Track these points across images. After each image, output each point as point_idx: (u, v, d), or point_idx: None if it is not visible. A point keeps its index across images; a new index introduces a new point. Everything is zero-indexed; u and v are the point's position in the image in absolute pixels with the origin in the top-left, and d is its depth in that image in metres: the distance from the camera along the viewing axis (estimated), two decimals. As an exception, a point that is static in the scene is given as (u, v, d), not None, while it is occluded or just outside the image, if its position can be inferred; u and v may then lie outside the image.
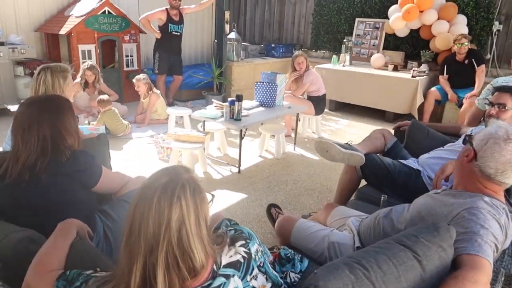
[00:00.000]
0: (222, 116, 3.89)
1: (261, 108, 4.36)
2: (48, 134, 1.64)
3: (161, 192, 0.98)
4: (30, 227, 1.54)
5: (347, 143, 2.63)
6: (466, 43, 5.39)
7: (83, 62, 5.86)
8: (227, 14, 6.17)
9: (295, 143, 4.69)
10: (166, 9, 5.83)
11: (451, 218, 1.36)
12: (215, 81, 6.18)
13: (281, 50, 7.57)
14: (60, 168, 1.63)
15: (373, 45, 7.13)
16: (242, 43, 6.84)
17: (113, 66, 6.58)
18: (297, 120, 4.69)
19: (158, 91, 5.36)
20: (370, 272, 1.05)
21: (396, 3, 6.54)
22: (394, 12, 6.43)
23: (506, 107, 2.27)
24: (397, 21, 6.26)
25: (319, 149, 2.61)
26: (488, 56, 6.11)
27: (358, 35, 7.26)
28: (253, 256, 1.12)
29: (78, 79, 5.20)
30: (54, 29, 5.99)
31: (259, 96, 4.49)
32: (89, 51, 5.96)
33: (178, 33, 5.98)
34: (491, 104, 2.35)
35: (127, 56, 6.50)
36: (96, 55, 6.04)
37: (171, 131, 4.84)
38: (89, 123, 4.85)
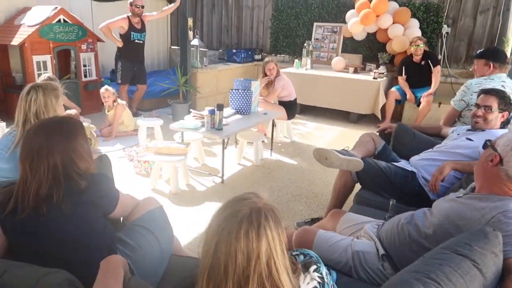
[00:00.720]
0: (203, 126, 3.82)
1: (238, 116, 4.33)
2: (59, 162, 1.51)
3: (248, 224, 0.94)
4: (53, 265, 1.41)
5: (343, 149, 2.69)
6: (422, 45, 5.71)
7: (39, 74, 5.51)
8: (190, 21, 6.07)
9: (271, 149, 4.71)
10: (128, 16, 5.62)
11: (486, 221, 1.43)
12: (181, 89, 6.06)
13: (242, 55, 7.57)
14: (82, 196, 1.52)
15: (332, 49, 7.35)
16: (202, 49, 6.76)
17: (69, 77, 6.24)
18: (273, 125, 4.72)
19: (124, 102, 5.15)
20: (443, 286, 1.08)
21: (353, 8, 6.80)
22: (352, 17, 6.68)
23: (492, 109, 2.45)
24: (355, 25, 6.50)
25: (318, 156, 2.65)
26: (440, 56, 6.51)
27: (317, 39, 7.45)
28: (325, 279, 1.12)
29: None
30: (3, 39, 5.56)
31: (234, 103, 4.47)
32: (45, 62, 5.60)
33: (141, 41, 5.79)
34: (478, 106, 2.52)
35: (84, 66, 6.18)
36: (52, 66, 5.69)
37: (142, 143, 4.70)
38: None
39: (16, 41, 5.30)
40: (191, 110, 4.22)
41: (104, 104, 5.09)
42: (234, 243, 0.93)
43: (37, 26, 5.40)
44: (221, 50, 8.50)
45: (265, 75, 5.05)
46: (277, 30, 7.94)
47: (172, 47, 9.31)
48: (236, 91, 4.45)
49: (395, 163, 2.74)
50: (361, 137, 3.00)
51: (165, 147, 3.65)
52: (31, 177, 1.50)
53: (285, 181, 3.94)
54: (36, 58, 5.48)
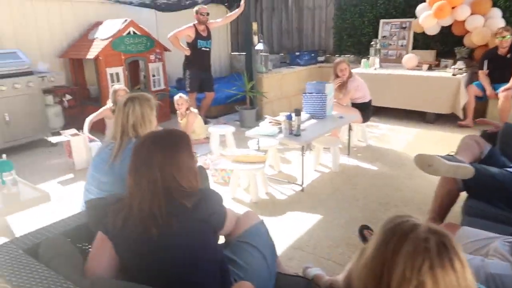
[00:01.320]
0: (280, 132, 3.69)
1: (313, 120, 4.16)
2: (159, 177, 1.42)
3: (436, 256, 0.79)
4: (166, 287, 1.34)
5: (448, 155, 2.43)
6: (508, 36, 5.22)
7: (112, 86, 5.70)
8: (254, 25, 6.01)
9: (348, 154, 4.48)
10: (194, 25, 5.66)
11: None
12: (248, 95, 5.99)
13: (305, 58, 7.40)
14: (191, 214, 1.42)
15: (401, 46, 6.96)
16: (265, 54, 6.65)
17: (139, 87, 6.41)
18: (349, 129, 4.49)
19: (196, 110, 5.17)
20: None
21: (424, 1, 6.39)
22: (423, 11, 6.27)
23: None
24: (428, 19, 6.09)
25: (420, 163, 2.40)
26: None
27: (384, 36, 7.09)
28: None
29: (108, 105, 5.01)
30: (79, 53, 5.83)
31: (309, 107, 4.31)
32: (117, 74, 5.78)
33: (208, 49, 5.81)
34: None
35: (153, 76, 6.33)
36: (124, 78, 5.87)
37: (215, 151, 4.66)
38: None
39: (91, 54, 5.52)
40: (266, 116, 4.11)
41: (178, 111, 5.14)
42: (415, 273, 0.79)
43: (110, 39, 5.59)
44: (282, 54, 8.39)
45: (337, 76, 4.83)
46: (341, 30, 7.68)
47: (233, 53, 9.35)
48: (310, 94, 4.29)
49: (508, 169, 2.43)
50: (463, 140, 2.71)
51: (243, 155, 3.57)
52: (136, 192, 1.44)
53: (368, 188, 3.70)
54: (109, 70, 5.67)
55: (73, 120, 5.89)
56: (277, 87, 6.73)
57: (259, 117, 6.39)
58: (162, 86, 6.48)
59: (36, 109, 5.16)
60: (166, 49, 6.41)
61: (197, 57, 5.74)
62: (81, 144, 4.40)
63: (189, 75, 5.78)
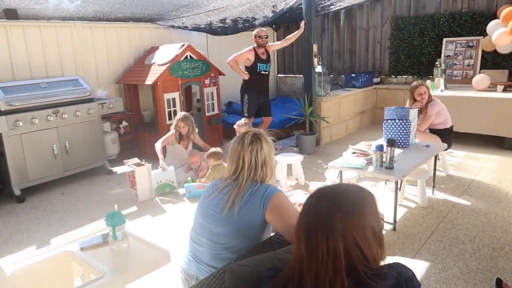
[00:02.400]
0: (369, 164, 3.33)
1: (397, 150, 3.77)
2: (341, 248, 1.09)
3: None
4: None
5: None
6: None
7: (169, 112, 5.53)
8: (315, 47, 5.74)
9: (433, 186, 4.06)
10: (253, 48, 5.44)
11: None
12: (308, 119, 5.68)
13: (362, 79, 7.05)
14: None
15: (468, 65, 6.52)
16: (324, 76, 6.35)
17: (191, 112, 6.21)
18: (436, 159, 4.07)
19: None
20: None
21: (494, 18, 5.98)
22: (495, 28, 5.85)
23: None
24: (502, 37, 5.66)
25: None
26: None
27: (448, 56, 6.68)
28: None
29: (171, 131, 4.81)
30: (136, 79, 5.70)
31: (390, 135, 3.93)
32: (174, 99, 5.61)
33: (267, 72, 5.56)
34: None
35: (207, 100, 6.13)
36: (180, 103, 5.69)
37: (283, 181, 4.35)
38: (192, 180, 4.40)
39: (149, 80, 5.37)
40: (349, 146, 3.76)
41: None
42: None
43: (168, 65, 5.43)
44: (332, 76, 8.09)
45: (415, 100, 4.46)
46: (398, 50, 7.31)
47: (279, 75, 9.14)
48: (392, 121, 3.92)
49: None
50: None
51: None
52: (308, 261, 1.11)
53: (470, 229, 3.26)
54: (166, 96, 5.50)
55: (127, 146, 5.75)
56: (335, 111, 6.40)
57: (317, 143, 6.06)
58: (216, 111, 6.26)
59: (95, 136, 5.01)
60: (221, 73, 6.22)
61: (257, 81, 5.49)
62: (146, 174, 4.17)
63: (247, 99, 5.53)
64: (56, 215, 3.94)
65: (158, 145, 4.63)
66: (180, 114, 4.80)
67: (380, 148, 3.25)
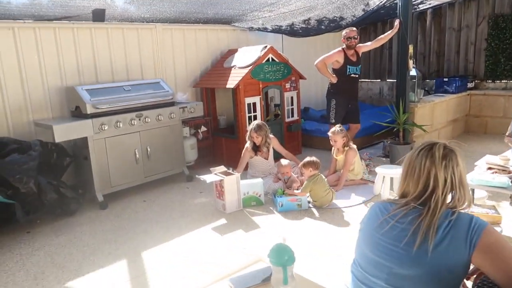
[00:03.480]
0: (512, 182, 2.75)
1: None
2: None
3: None
4: None
5: None
6: None
7: (249, 117, 5.20)
8: (410, 48, 5.18)
9: None
10: (342, 49, 4.98)
11: None
12: (401, 127, 5.11)
13: (456, 84, 6.35)
14: None
15: None
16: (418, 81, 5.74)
17: (268, 119, 5.86)
18: None
19: (355, 146, 4.41)
20: None
21: None
22: None
23: None
24: None
25: None
26: None
27: (561, 57, 5.83)
28: None
29: (247, 144, 4.47)
30: (215, 83, 5.44)
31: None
32: (254, 104, 5.27)
33: (357, 75, 5.08)
34: None
35: (287, 106, 5.74)
36: (261, 108, 5.34)
37: (385, 196, 3.83)
38: (283, 192, 3.99)
39: (230, 84, 5.08)
40: (486, 162, 3.17)
41: (333, 147, 4.44)
42: None
43: (250, 67, 5.11)
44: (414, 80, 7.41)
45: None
46: (496, 52, 6.54)
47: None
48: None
49: None
50: None
51: (471, 212, 2.66)
52: None
53: None
54: (247, 100, 5.17)
55: (204, 153, 5.48)
56: (428, 118, 5.76)
57: (409, 154, 5.44)
58: (296, 117, 5.86)
59: (175, 141, 4.78)
60: (302, 77, 5.82)
61: (346, 84, 5.02)
62: (235, 184, 3.83)
63: (335, 104, 5.07)
64: (142, 225, 3.69)
65: (240, 166, 4.39)
66: (254, 124, 4.44)
67: (529, 163, 2.66)
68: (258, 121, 4.66)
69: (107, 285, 2.71)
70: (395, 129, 5.24)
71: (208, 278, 2.60)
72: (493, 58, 6.60)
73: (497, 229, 2.55)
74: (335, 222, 3.55)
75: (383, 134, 5.63)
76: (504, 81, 6.62)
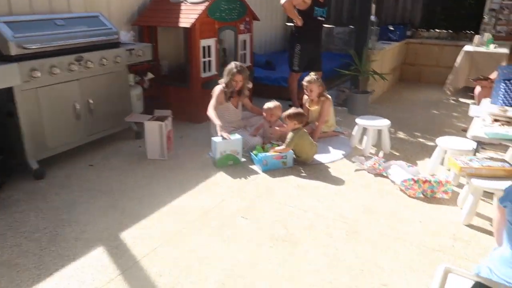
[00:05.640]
0: (522, 135, 2.72)
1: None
2: None
3: None
4: None
5: None
6: None
7: (204, 62, 4.53)
8: (371, -9, 4.92)
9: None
10: (311, -12, 4.51)
11: None
12: (363, 75, 4.95)
13: (399, 32, 6.37)
14: None
15: (515, 21, 6.06)
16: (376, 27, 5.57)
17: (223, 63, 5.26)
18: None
19: (330, 96, 4.11)
20: None
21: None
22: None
23: None
24: None
25: None
26: None
27: (493, 9, 6.15)
28: None
29: (220, 87, 3.89)
30: (162, 21, 4.57)
31: (508, 98, 3.35)
32: (209, 47, 4.59)
33: (323, 18, 4.69)
34: None
35: (241, 50, 5.16)
36: (216, 52, 4.69)
37: (367, 150, 3.69)
38: (263, 149, 3.59)
39: (185, 22, 4.30)
40: (491, 113, 3.09)
41: (308, 97, 4.08)
42: None
43: (206, 3, 4.37)
44: (351, 26, 7.31)
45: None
46: (433, 1, 6.66)
47: (288, 23, 8.17)
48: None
49: None
50: None
51: (484, 166, 2.59)
52: None
53: None
54: (203, 43, 4.47)
55: (150, 104, 4.71)
56: (378, 66, 5.69)
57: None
58: (248, 63, 5.32)
59: (121, 91, 3.97)
60: (255, 18, 5.24)
61: (311, 28, 4.62)
62: (157, 131, 3.29)
63: (299, 50, 4.66)
64: (103, 198, 2.98)
65: (211, 110, 3.71)
66: (235, 64, 3.87)
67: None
68: (235, 62, 4.03)
69: (91, 282, 2.09)
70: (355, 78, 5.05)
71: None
72: (430, 8, 6.74)
73: None
74: (329, 179, 3.28)
75: (332, 81, 5.43)
76: (438, 30, 6.85)
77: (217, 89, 3.86)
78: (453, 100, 5.83)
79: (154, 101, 4.75)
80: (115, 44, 3.82)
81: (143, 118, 3.67)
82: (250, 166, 3.53)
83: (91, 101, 3.64)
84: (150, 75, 4.50)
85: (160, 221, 2.66)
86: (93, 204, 2.88)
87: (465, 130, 4.44)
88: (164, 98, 4.85)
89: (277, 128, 3.77)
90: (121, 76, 3.92)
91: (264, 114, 3.89)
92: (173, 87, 4.76)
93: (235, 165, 3.51)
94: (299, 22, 4.54)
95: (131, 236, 2.49)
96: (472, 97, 5.88)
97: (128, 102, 4.09)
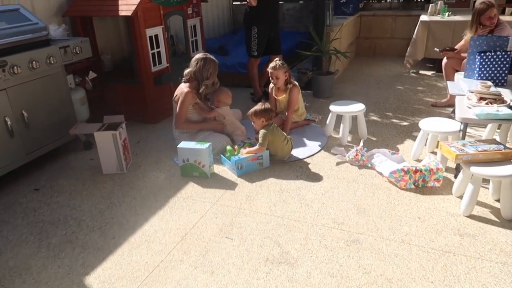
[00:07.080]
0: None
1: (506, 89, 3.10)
2: None
3: None
4: None
5: None
6: None
7: (152, 55, 4.03)
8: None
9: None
10: (263, -37, 4.10)
11: None
12: (326, 56, 4.67)
13: (352, 5, 6.14)
14: None
15: (464, -14, 6.04)
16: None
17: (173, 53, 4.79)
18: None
19: (297, 83, 3.79)
20: None
21: None
22: None
23: None
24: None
25: None
26: None
27: (442, -25, 6.08)
28: None
29: (185, 85, 3.45)
30: (97, 10, 3.96)
31: (484, 72, 3.22)
32: (156, 37, 4.08)
33: (280, -3, 4.32)
34: None
35: (191, 37, 4.68)
36: (165, 41, 4.18)
37: (344, 140, 3.46)
38: (234, 151, 3.22)
39: (125, 10, 3.75)
40: (470, 90, 2.91)
41: (274, 85, 3.73)
42: None
43: (148, -13, 3.83)
44: (301, 1, 6.99)
45: (479, 25, 3.79)
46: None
47: (235, 3, 7.69)
48: (488, 54, 3.18)
49: None
50: None
51: (482, 151, 2.42)
52: None
53: None
54: (148, 32, 3.95)
55: (96, 107, 4.15)
56: (337, 43, 5.46)
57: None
58: (201, 49, 4.85)
59: (60, 96, 3.39)
60: (204, 0, 4.74)
61: (268, 9, 4.24)
62: (111, 142, 2.87)
63: (256, 33, 4.27)
64: (57, 231, 2.49)
65: (180, 119, 3.37)
66: (204, 55, 3.43)
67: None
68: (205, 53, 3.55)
69: None
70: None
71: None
72: (380, -23, 6.57)
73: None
74: (312, 178, 3.00)
75: (290, 62, 5.11)
76: (388, 0, 6.71)
77: (183, 90, 3.39)
78: (413, 73, 5.75)
79: (101, 103, 4.20)
80: (45, 42, 3.22)
81: (91, 128, 3.15)
82: (223, 170, 3.16)
83: (25, 113, 3.05)
84: (92, 74, 3.91)
85: (131, 255, 2.25)
86: (45, 242, 2.40)
87: (434, 105, 4.36)
88: (112, 99, 4.30)
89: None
90: (58, 79, 3.34)
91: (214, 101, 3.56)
92: (121, 84, 4.21)
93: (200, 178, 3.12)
94: (253, 2, 4.13)
95: (98, 281, 2.06)
96: (431, 68, 5.85)
97: (71, 109, 3.52)
